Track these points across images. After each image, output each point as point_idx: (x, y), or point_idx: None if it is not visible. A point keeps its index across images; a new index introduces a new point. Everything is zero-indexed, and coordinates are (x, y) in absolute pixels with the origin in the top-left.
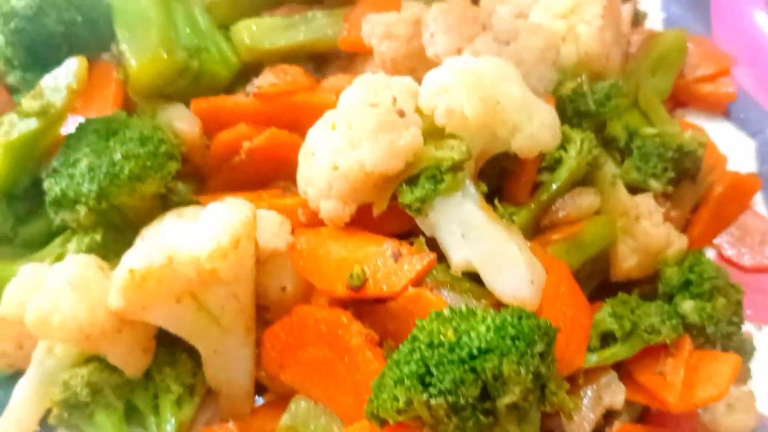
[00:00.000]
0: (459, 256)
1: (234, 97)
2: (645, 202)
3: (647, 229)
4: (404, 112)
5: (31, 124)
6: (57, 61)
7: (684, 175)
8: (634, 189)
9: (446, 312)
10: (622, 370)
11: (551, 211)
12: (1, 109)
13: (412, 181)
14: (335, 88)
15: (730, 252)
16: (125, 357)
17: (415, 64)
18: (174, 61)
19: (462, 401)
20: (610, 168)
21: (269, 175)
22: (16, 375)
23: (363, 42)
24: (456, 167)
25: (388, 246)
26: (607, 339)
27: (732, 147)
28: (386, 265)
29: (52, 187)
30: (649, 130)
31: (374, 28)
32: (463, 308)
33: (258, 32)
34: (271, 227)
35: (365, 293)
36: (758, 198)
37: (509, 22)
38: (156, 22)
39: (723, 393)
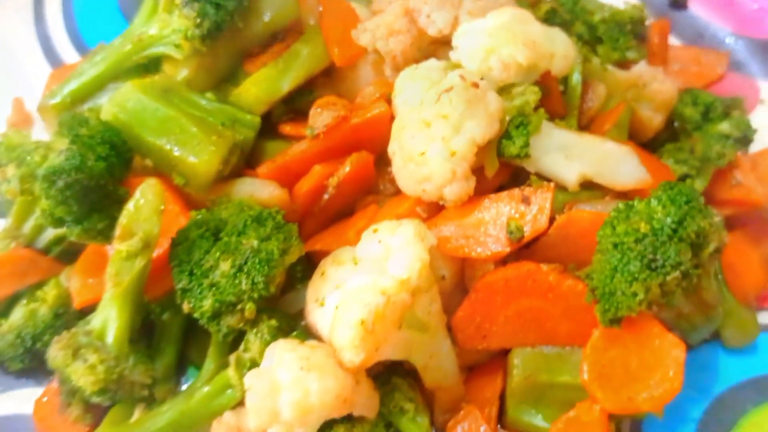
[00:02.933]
0: (572, 174)
1: (297, 146)
2: (645, 69)
3: (659, 88)
4: (478, 83)
5: (140, 262)
6: (104, 197)
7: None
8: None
9: (615, 215)
10: None
11: (584, 110)
12: (43, 276)
13: (505, 135)
14: (372, 98)
15: None
16: (367, 403)
17: (419, 49)
18: (228, 142)
19: (685, 267)
20: (595, 59)
21: (357, 198)
22: None
23: (361, 51)
24: (536, 107)
25: (512, 196)
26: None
27: None
28: (523, 212)
29: (200, 305)
30: (600, 16)
31: (375, 33)
32: (619, 206)
33: (266, 84)
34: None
35: (524, 241)
36: None
37: None
38: (183, 116)
39: None
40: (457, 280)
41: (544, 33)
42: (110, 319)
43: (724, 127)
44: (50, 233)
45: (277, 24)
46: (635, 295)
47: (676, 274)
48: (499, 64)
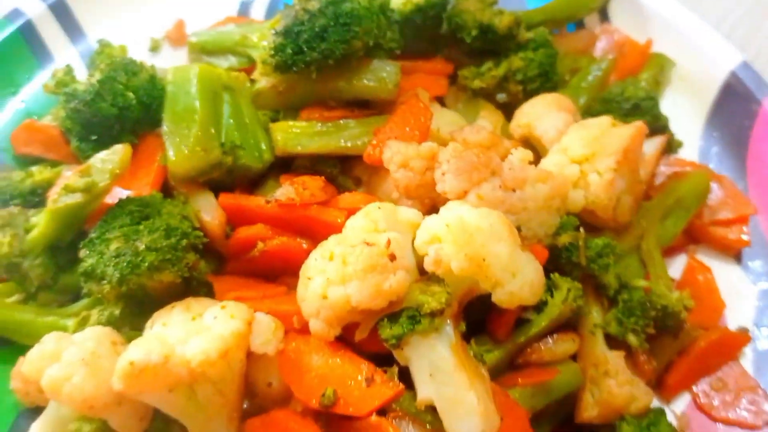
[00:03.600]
0: (424, 393)
1: (257, 200)
2: (615, 360)
3: (611, 388)
4: (395, 257)
5: (76, 197)
6: (109, 136)
7: (665, 332)
8: (613, 339)
9: None
10: None
11: (527, 351)
12: (65, 157)
13: (393, 317)
14: (348, 205)
15: (704, 400)
16: (124, 424)
17: (427, 192)
18: (209, 158)
19: None
20: (592, 317)
21: (279, 271)
22: (38, 409)
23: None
24: (434, 314)
25: (364, 370)
26: None
27: (735, 293)
28: (358, 388)
29: (85, 259)
30: (640, 284)
31: (393, 156)
32: None
33: (293, 135)
34: (265, 334)
35: (334, 410)
36: (748, 349)
37: (518, 170)
38: (199, 118)
39: None
40: (286, 393)
41: (507, 259)
42: (39, 224)
43: None
44: None
45: (365, 93)
46: None
47: None
48: (433, 257)
